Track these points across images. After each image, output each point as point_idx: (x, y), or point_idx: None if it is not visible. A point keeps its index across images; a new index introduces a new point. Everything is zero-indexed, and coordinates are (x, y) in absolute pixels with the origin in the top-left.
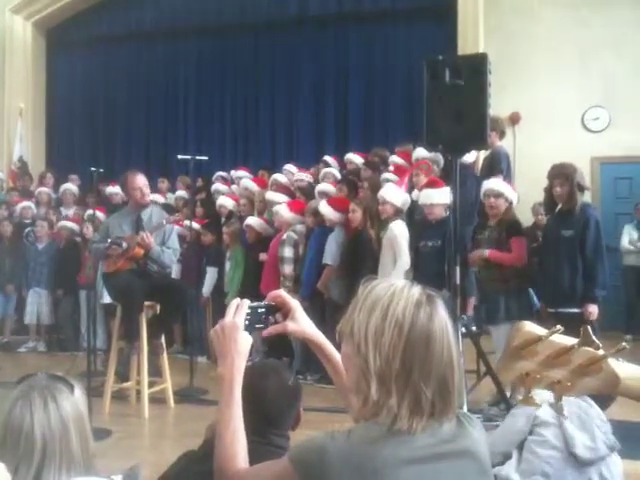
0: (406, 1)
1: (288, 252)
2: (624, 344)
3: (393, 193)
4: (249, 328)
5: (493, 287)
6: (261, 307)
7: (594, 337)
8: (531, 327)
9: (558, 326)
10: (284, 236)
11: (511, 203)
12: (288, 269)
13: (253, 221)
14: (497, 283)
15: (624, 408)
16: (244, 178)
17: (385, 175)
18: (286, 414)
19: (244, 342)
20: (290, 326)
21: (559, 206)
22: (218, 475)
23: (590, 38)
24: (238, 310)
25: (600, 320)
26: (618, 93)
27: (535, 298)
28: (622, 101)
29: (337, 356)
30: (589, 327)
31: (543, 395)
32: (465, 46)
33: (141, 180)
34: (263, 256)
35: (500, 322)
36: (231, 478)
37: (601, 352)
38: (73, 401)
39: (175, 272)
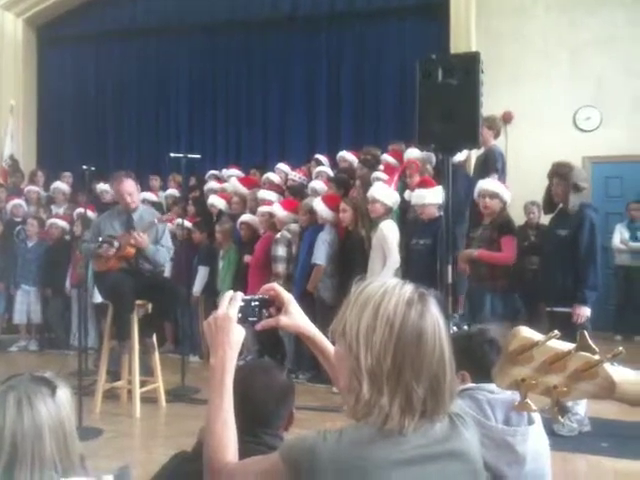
0: (398, 0)
1: (282, 251)
2: (620, 349)
3: (383, 192)
4: (242, 321)
5: (480, 285)
6: (254, 300)
7: (591, 342)
8: (527, 332)
9: (555, 331)
10: (278, 235)
11: (505, 203)
12: (281, 268)
13: (248, 217)
14: (485, 281)
15: (616, 407)
16: (232, 177)
17: (376, 174)
18: (274, 414)
19: (236, 334)
20: (283, 320)
21: (560, 205)
22: (207, 466)
23: (581, 38)
24: (231, 302)
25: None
26: (609, 93)
27: (519, 303)
28: (613, 101)
29: (331, 349)
30: (585, 331)
31: None
32: (457, 45)
33: (128, 187)
34: (247, 258)
35: (484, 321)
36: (220, 470)
37: (597, 357)
38: (51, 404)
39: (167, 270)
